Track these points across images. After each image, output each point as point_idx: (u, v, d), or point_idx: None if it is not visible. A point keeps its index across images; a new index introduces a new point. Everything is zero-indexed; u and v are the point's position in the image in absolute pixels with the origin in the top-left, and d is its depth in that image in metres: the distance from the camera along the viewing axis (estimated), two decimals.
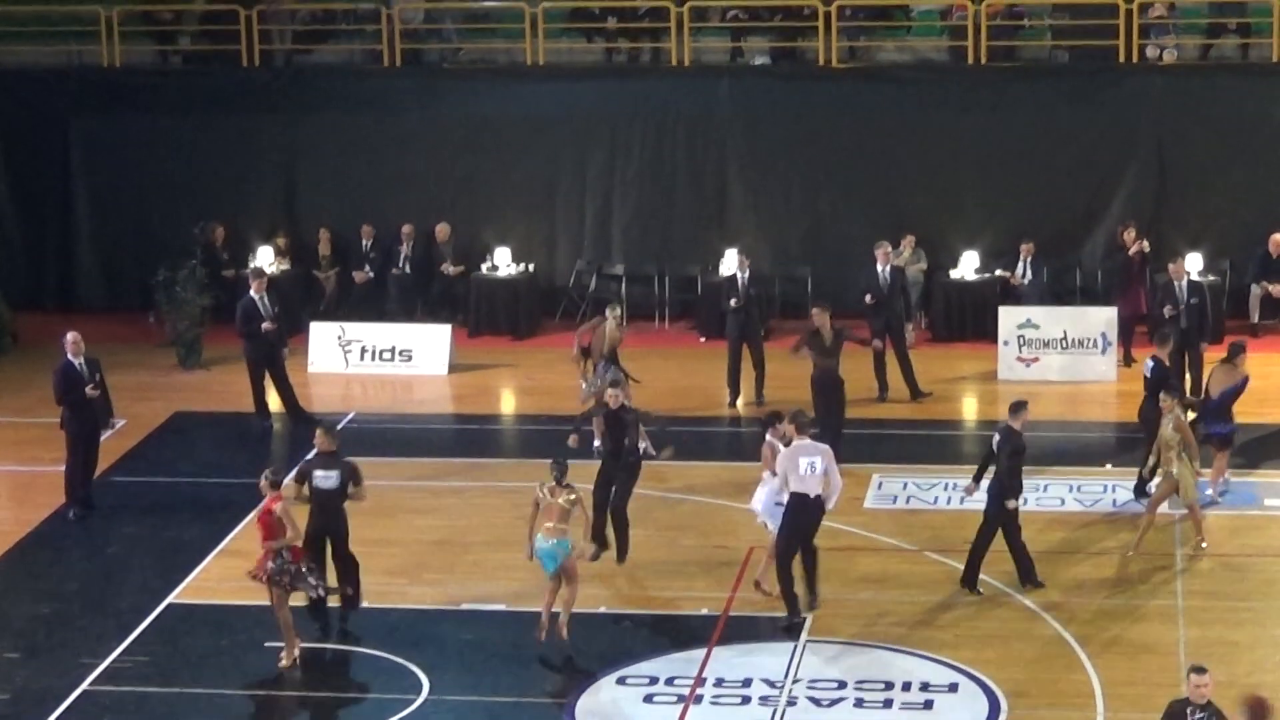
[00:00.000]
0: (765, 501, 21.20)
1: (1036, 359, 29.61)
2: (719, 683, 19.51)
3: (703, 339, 32.08)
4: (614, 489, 22.26)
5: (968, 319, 31.74)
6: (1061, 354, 29.60)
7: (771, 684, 19.44)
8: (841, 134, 32.75)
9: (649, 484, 24.23)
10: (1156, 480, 23.00)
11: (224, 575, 21.95)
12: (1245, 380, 24.35)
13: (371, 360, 30.77)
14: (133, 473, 26.09)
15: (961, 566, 21.67)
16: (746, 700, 19.19)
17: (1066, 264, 32.39)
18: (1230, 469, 24.35)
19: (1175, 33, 32.94)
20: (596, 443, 22.76)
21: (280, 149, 33.84)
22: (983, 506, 21.56)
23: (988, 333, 30.46)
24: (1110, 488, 24.51)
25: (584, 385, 26.23)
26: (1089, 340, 29.57)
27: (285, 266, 32.83)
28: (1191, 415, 24.61)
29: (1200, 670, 16.09)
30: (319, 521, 20.75)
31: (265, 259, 32.29)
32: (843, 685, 19.42)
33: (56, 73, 34.21)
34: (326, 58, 34.78)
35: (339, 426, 24.95)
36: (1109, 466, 25.33)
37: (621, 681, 19.61)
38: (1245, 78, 32.43)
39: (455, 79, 33.93)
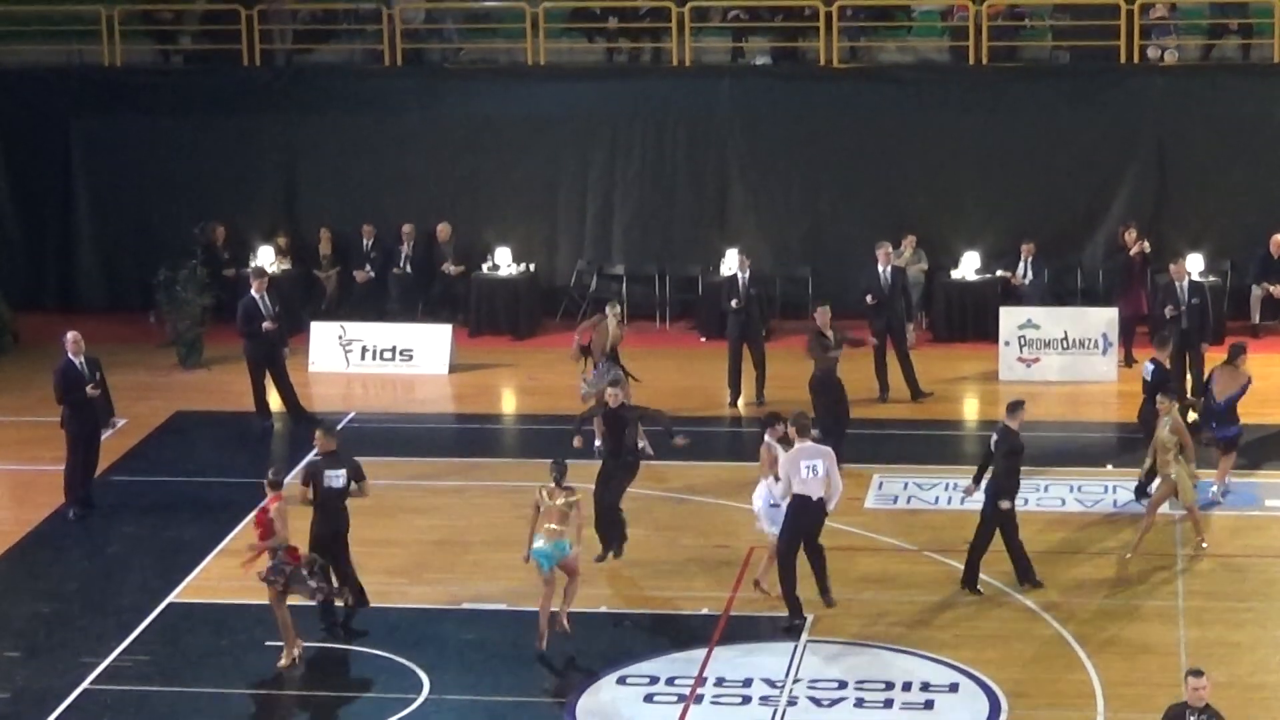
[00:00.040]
0: (761, 503, 21.20)
1: (1037, 359, 29.60)
2: (719, 682, 19.51)
3: (703, 339, 32.08)
4: (609, 485, 22.26)
5: (968, 319, 31.73)
6: (1062, 354, 29.59)
7: (772, 684, 19.44)
8: (842, 134, 32.75)
9: (649, 484, 24.28)
10: (1156, 482, 22.98)
11: (224, 575, 21.95)
12: (1249, 382, 24.36)
13: (372, 360, 30.77)
14: (133, 472, 26.08)
15: (962, 566, 21.67)
16: (747, 700, 19.19)
17: (1067, 264, 32.38)
18: (1231, 470, 24.35)
19: (1176, 33, 32.93)
20: (597, 442, 22.76)
21: (281, 149, 33.84)
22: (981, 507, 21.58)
23: (988, 333, 30.45)
24: (1111, 488, 24.51)
25: (584, 384, 26.23)
26: (1090, 341, 29.57)
27: (286, 266, 32.83)
28: (1192, 416, 24.65)
29: (1198, 673, 16.10)
30: (333, 522, 20.75)
31: (266, 258, 32.29)
32: (843, 685, 19.41)
33: (57, 72, 34.20)
34: (327, 57, 34.78)
35: (339, 426, 24.98)
36: (1110, 467, 25.32)
37: (622, 681, 19.60)
38: (1246, 78, 32.41)
39: (456, 79, 33.92)
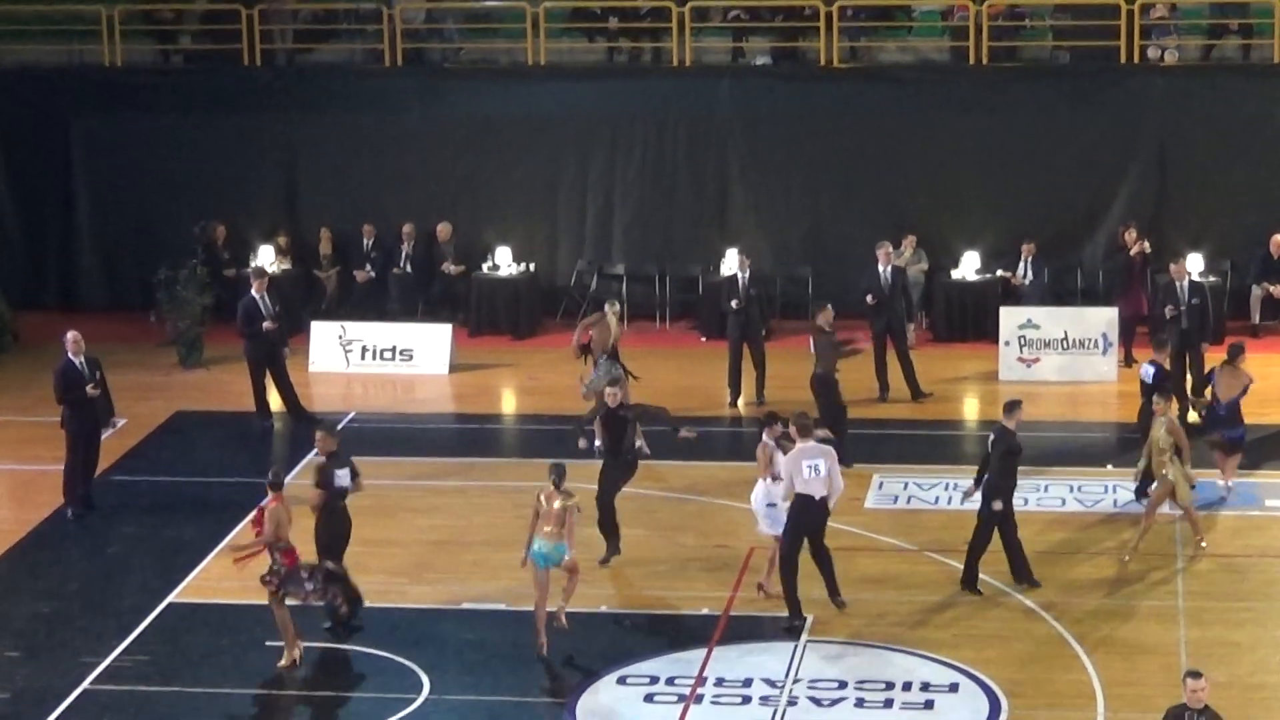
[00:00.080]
0: (758, 503, 21.22)
1: (1037, 359, 29.61)
2: (719, 682, 19.51)
3: (703, 339, 32.08)
4: (606, 484, 22.26)
5: (969, 319, 31.74)
6: (1062, 354, 29.60)
7: (772, 684, 19.44)
8: (843, 134, 32.75)
9: (649, 484, 24.29)
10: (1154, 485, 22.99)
11: (224, 575, 21.92)
12: (1250, 382, 24.39)
13: (372, 360, 30.77)
14: (133, 472, 26.08)
15: (962, 567, 21.66)
16: (747, 700, 19.19)
17: (1067, 264, 32.38)
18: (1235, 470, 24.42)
19: (1177, 33, 32.93)
20: (597, 442, 22.75)
21: (281, 148, 33.84)
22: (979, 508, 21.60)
23: (989, 333, 30.46)
24: (1111, 488, 24.51)
25: (584, 384, 26.24)
26: (1090, 341, 29.57)
27: (286, 266, 32.83)
28: (1193, 416, 24.68)
29: (1196, 675, 16.11)
30: (344, 523, 20.82)
31: (266, 258, 32.29)
32: (843, 685, 19.42)
33: (58, 72, 34.21)
34: (328, 57, 34.79)
35: (339, 426, 24.97)
36: (1110, 467, 25.32)
37: (622, 681, 19.60)
38: (1246, 79, 32.42)
39: (456, 79, 33.92)
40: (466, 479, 25.53)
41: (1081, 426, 27.66)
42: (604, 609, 21.29)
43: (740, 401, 28.49)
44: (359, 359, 30.78)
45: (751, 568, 21.99)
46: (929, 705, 19.00)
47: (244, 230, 33.29)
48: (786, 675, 19.59)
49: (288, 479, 20.92)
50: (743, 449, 25.49)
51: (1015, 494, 21.76)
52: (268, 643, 20.21)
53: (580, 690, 19.41)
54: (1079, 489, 24.69)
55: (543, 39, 33.23)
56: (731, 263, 30.46)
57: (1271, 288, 31.50)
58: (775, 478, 20.98)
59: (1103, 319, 29.70)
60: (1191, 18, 33.46)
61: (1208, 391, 24.59)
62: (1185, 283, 27.75)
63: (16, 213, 34.44)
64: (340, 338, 30.84)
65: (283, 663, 19.92)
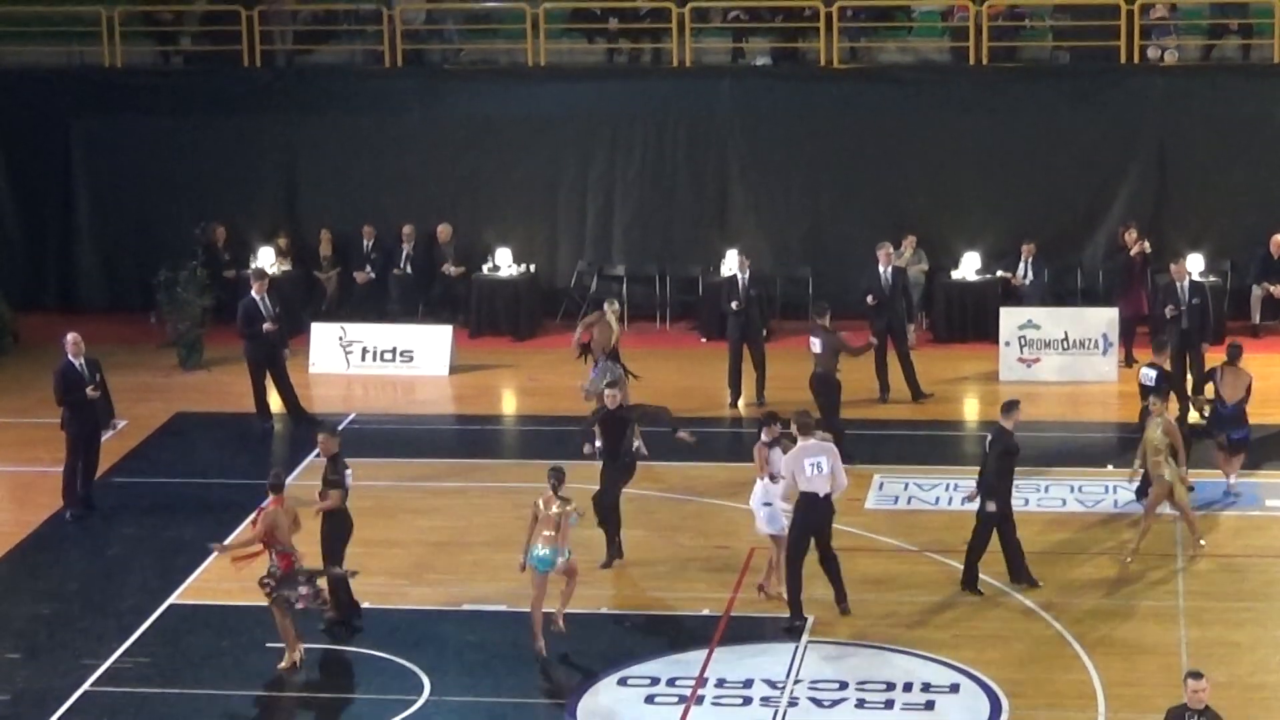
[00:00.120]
0: (755, 503, 21.22)
1: (1038, 360, 29.61)
2: (720, 683, 19.51)
3: (704, 340, 32.08)
4: (607, 487, 22.26)
5: (969, 320, 31.73)
6: (1062, 355, 29.59)
7: (773, 684, 19.43)
8: (843, 135, 32.75)
9: (649, 484, 24.29)
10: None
11: (225, 576, 21.90)
12: (1250, 381, 24.41)
13: (372, 361, 30.77)
14: (133, 474, 26.08)
15: (962, 567, 21.65)
16: (748, 701, 19.19)
17: (1068, 265, 32.38)
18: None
19: (1176, 33, 32.93)
20: (597, 443, 22.74)
21: (281, 149, 33.84)
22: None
23: (989, 333, 30.46)
24: (1111, 488, 24.49)
25: (585, 385, 26.23)
26: (1090, 341, 29.57)
27: (286, 267, 32.82)
28: (1194, 416, 24.68)
29: (1197, 675, 16.10)
30: (350, 523, 20.80)
31: (266, 259, 32.28)
32: (844, 686, 19.42)
33: (57, 73, 34.21)
34: (328, 58, 34.79)
35: (340, 427, 24.96)
36: (1110, 467, 25.30)
37: (622, 682, 19.60)
38: (1246, 79, 32.41)
39: (456, 79, 33.92)
40: (467, 480, 25.53)
41: (1082, 427, 27.66)
42: (604, 610, 21.30)
43: (740, 402, 28.49)
44: (359, 360, 30.77)
45: (752, 568, 21.99)
46: (930, 706, 19.00)
47: (244, 231, 33.29)
48: (787, 676, 19.59)
49: (288, 480, 20.87)
50: (743, 450, 25.44)
51: (1016, 494, 21.76)
52: (268, 644, 20.21)
53: (581, 691, 19.41)
54: (1079, 489, 24.69)
55: (542, 40, 33.23)
56: (731, 263, 30.46)
57: (1271, 288, 31.50)
58: (774, 477, 20.98)
59: (1103, 319, 29.70)
60: (1191, 18, 33.46)
61: (1208, 389, 24.60)
62: (1185, 283, 27.73)
63: (17, 214, 34.44)
64: (340, 339, 30.84)
65: (283, 665, 19.92)
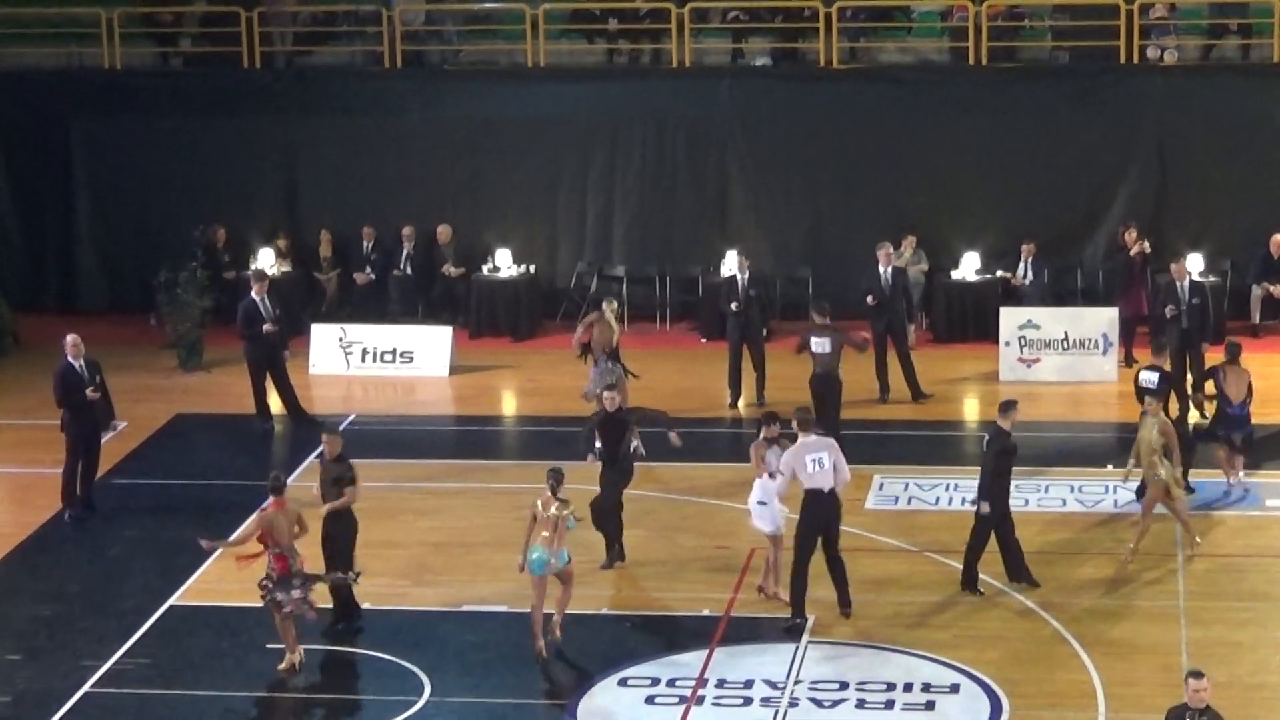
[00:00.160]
0: (751, 501, 21.23)
1: (1038, 360, 29.61)
2: (720, 684, 19.52)
3: (704, 340, 32.08)
4: (607, 490, 22.25)
5: (969, 320, 31.73)
6: (1062, 355, 29.60)
7: (773, 685, 19.44)
8: (842, 135, 32.75)
9: (650, 485, 24.29)
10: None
11: (225, 577, 21.92)
12: (1250, 379, 24.45)
13: (373, 362, 30.77)
14: (134, 475, 26.08)
15: (962, 567, 21.66)
16: (748, 701, 19.19)
17: (1068, 265, 32.38)
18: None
19: (1176, 33, 32.93)
20: (597, 444, 22.73)
21: (281, 150, 33.85)
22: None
23: (989, 333, 30.46)
24: (1111, 488, 24.48)
25: (585, 388, 26.23)
26: (1090, 341, 29.57)
27: (286, 268, 32.84)
28: (1195, 417, 24.69)
29: (1198, 675, 16.10)
30: (356, 522, 20.82)
31: (266, 261, 32.29)
32: (844, 686, 19.42)
33: (57, 74, 34.23)
34: (327, 59, 34.79)
35: (340, 428, 24.96)
36: (1110, 467, 25.27)
37: (623, 683, 19.60)
38: (1246, 78, 32.42)
39: (456, 80, 33.92)
40: (467, 481, 25.53)
41: (1082, 427, 27.66)
42: (604, 611, 21.30)
43: (740, 403, 28.49)
44: (359, 361, 30.77)
45: (752, 568, 21.99)
46: (930, 706, 19.00)
47: (244, 232, 33.30)
48: (788, 676, 19.59)
49: (289, 481, 20.87)
50: (743, 450, 25.34)
51: (1016, 494, 21.77)
52: (269, 645, 20.21)
53: (581, 692, 19.41)
54: (1079, 489, 24.69)
55: (542, 40, 33.23)
56: (731, 264, 30.45)
57: (1271, 288, 31.50)
58: (772, 475, 20.97)
59: (1103, 319, 29.70)
60: (1191, 18, 33.46)
61: (1209, 387, 24.61)
62: (1185, 283, 27.74)
63: (16, 215, 34.44)
64: (340, 340, 30.84)
65: (282, 666, 19.91)
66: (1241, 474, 24.37)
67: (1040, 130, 32.30)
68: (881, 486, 24.90)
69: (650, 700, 19.27)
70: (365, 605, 21.11)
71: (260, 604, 20.03)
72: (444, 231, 33.01)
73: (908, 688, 19.36)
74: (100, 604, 21.79)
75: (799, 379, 26.32)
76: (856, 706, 19.06)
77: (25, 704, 19.38)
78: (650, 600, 21.76)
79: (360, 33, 34.46)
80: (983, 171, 32.52)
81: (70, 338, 24.36)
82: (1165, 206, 32.18)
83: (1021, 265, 31.68)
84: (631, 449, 22.67)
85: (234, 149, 33.55)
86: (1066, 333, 29.62)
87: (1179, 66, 32.52)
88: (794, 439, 20.89)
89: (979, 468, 21.78)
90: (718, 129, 33.00)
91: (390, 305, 32.89)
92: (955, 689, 19.32)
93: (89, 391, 24.19)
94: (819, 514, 20.58)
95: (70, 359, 24.21)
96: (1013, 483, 21.73)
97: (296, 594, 19.69)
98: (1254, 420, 24.73)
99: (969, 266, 32.00)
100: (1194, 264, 29.83)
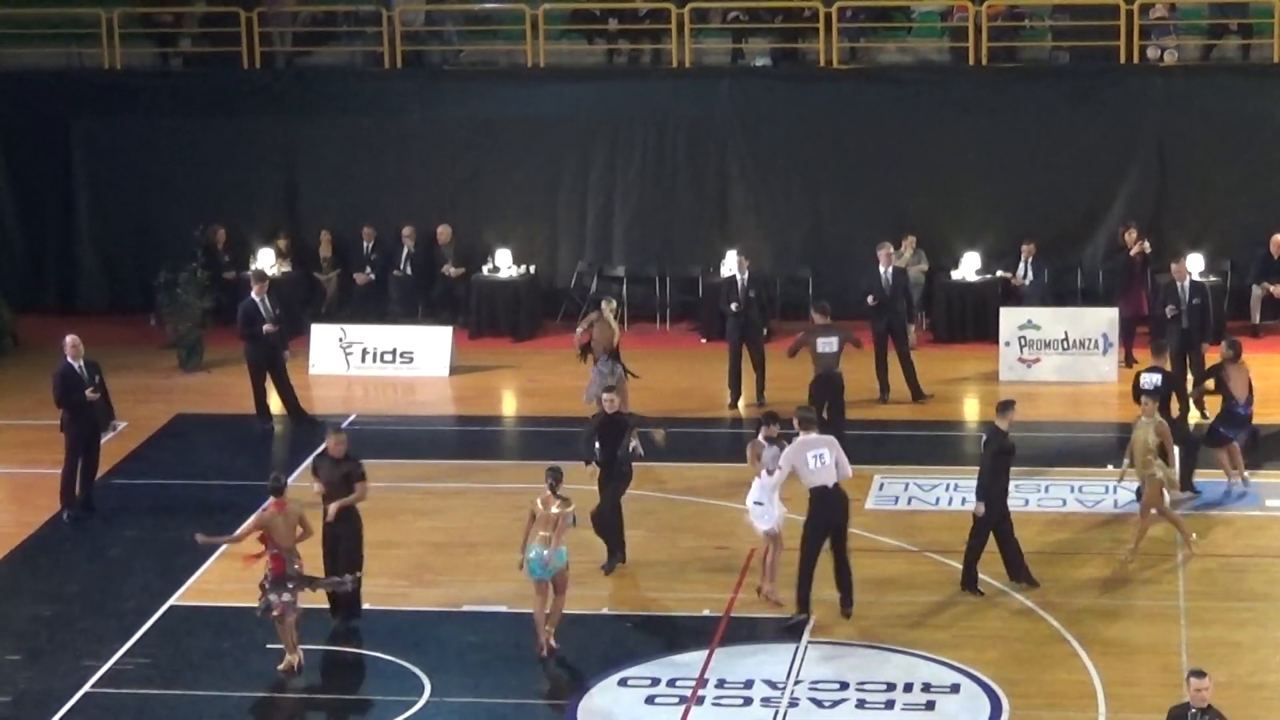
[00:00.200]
0: (748, 500, 21.23)
1: (1038, 360, 29.61)
2: (720, 684, 19.51)
3: (704, 340, 32.08)
4: (606, 493, 22.23)
5: (969, 320, 31.74)
6: (1062, 355, 29.60)
7: (773, 685, 19.43)
8: (843, 135, 32.76)
9: (650, 485, 24.29)
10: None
11: (225, 577, 21.94)
12: (1250, 377, 24.48)
13: (373, 362, 30.77)
14: (134, 475, 26.08)
15: (962, 567, 21.65)
16: (748, 701, 19.18)
17: (1068, 265, 32.39)
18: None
19: (1176, 33, 32.94)
20: (596, 445, 22.70)
21: (281, 151, 33.85)
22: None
23: (989, 334, 30.47)
24: (1112, 488, 24.46)
25: (586, 391, 26.23)
26: (1090, 341, 29.57)
27: (286, 268, 32.85)
28: (1195, 416, 24.69)
29: (1200, 674, 16.09)
30: (360, 521, 20.82)
31: (266, 261, 32.30)
32: (844, 686, 19.41)
33: (57, 75, 34.23)
34: (327, 59, 34.80)
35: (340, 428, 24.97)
36: (1110, 467, 25.24)
37: (623, 683, 19.60)
38: (1246, 78, 32.42)
39: (456, 80, 33.93)
40: (467, 481, 25.53)
41: (1082, 427, 27.67)
42: (604, 610, 21.30)
43: (740, 403, 28.49)
44: (359, 361, 30.78)
45: (752, 569, 21.98)
46: (930, 706, 19.00)
47: (244, 233, 33.31)
48: (788, 676, 19.59)
49: (288, 482, 20.85)
50: (743, 451, 25.42)
51: (1016, 494, 21.78)
52: (269, 645, 20.20)
53: (581, 692, 19.40)
54: (1080, 489, 24.69)
55: (542, 41, 33.24)
56: (731, 264, 30.45)
57: (1271, 288, 31.51)
58: (769, 472, 20.97)
59: (1103, 319, 29.70)
60: (1191, 18, 33.47)
61: (1209, 386, 24.60)
62: (1186, 283, 27.75)
63: (17, 215, 34.45)
64: (340, 340, 30.85)
65: (281, 667, 19.90)
66: (1246, 474, 24.35)
67: (1040, 130, 32.31)
68: (881, 486, 24.90)
69: (650, 700, 19.26)
70: (365, 605, 21.10)
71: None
72: (444, 231, 33.01)
73: (908, 688, 19.35)
74: (100, 604, 21.79)
75: (799, 379, 26.32)
76: (856, 706, 19.06)
77: (25, 704, 19.38)
78: (650, 600, 21.76)
79: (360, 33, 34.47)
80: (983, 171, 32.53)
81: (70, 338, 24.35)
82: (1165, 206, 32.19)
83: (1021, 265, 31.68)
84: (631, 449, 22.65)
85: (234, 149, 33.55)
86: (1066, 333, 29.63)
87: (1179, 66, 32.53)
88: (794, 439, 20.88)
89: (978, 471, 21.81)
90: (718, 129, 33.01)
91: (390, 305, 32.89)
92: (955, 689, 19.32)
93: (89, 392, 24.18)
94: (826, 511, 20.56)
95: (70, 359, 24.20)
96: (1012, 483, 21.78)
97: (287, 596, 19.64)
98: (1256, 420, 24.73)
99: (969, 266, 32.01)
100: (1194, 264, 29.84)
